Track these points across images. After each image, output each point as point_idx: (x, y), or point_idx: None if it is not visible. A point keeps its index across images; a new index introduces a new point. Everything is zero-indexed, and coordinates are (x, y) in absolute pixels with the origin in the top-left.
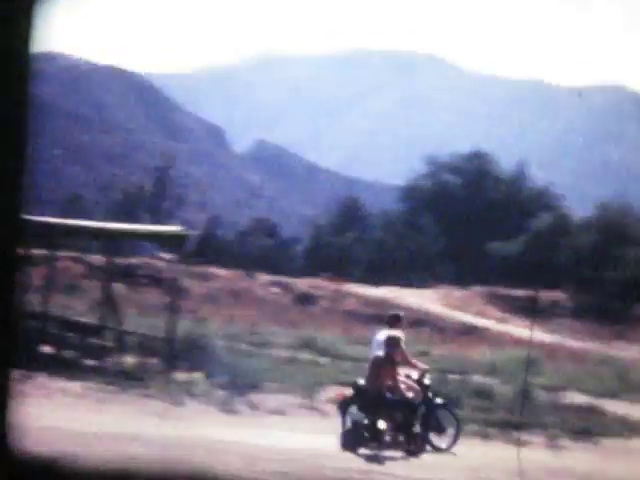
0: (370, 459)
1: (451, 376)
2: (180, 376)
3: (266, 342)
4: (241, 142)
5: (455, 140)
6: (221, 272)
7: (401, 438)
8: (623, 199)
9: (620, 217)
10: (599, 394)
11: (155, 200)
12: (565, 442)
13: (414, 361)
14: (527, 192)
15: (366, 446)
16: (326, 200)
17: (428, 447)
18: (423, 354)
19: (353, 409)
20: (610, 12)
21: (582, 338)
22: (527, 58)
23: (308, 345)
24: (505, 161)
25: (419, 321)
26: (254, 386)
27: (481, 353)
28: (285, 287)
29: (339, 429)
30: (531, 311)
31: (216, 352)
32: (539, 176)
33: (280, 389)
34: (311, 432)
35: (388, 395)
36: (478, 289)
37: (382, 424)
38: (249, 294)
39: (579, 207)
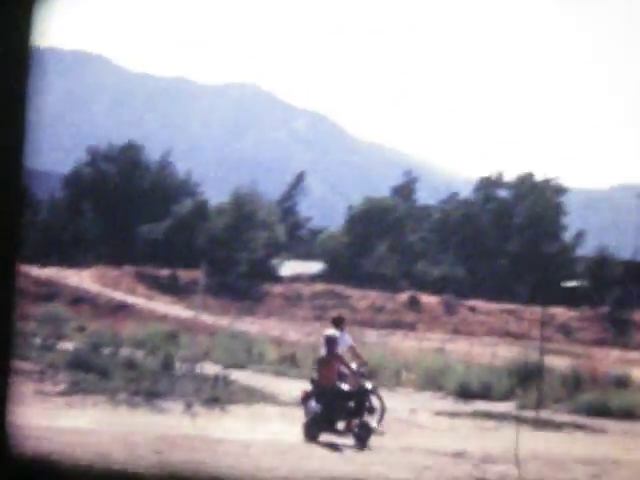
0: (327, 447)
1: (104, 350)
2: None
3: None
4: None
5: (112, 131)
6: None
7: (355, 424)
8: (253, 187)
9: (250, 204)
10: (229, 365)
11: None
12: (199, 409)
13: (359, 354)
14: (171, 180)
15: (325, 434)
16: None
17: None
18: (80, 329)
19: (312, 402)
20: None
21: (216, 313)
22: (174, 56)
23: None
24: (154, 152)
25: (78, 298)
26: None
27: (130, 328)
28: None
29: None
30: (173, 289)
31: None
32: (182, 166)
33: None
34: None
35: (340, 386)
36: (129, 269)
37: (336, 413)
38: None
39: (217, 194)
